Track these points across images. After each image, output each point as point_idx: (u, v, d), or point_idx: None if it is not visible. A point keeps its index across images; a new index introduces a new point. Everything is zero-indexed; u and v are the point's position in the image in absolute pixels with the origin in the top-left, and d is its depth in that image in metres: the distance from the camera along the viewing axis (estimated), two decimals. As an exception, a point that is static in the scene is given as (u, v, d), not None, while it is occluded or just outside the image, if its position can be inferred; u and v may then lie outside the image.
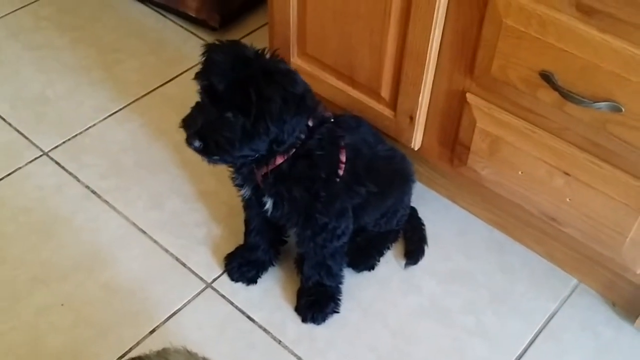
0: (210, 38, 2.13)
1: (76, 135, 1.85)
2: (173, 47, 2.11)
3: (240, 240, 1.59)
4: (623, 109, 1.20)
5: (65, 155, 1.80)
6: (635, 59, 1.14)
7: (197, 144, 1.26)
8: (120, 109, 1.93)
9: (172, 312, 1.50)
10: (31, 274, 1.55)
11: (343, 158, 1.38)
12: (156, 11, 2.22)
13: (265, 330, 1.49)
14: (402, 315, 1.53)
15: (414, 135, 1.57)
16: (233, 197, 1.61)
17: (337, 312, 1.52)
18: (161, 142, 1.84)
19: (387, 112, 1.58)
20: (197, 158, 1.31)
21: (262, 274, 1.57)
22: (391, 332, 1.50)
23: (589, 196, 1.36)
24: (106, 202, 1.70)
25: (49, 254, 1.59)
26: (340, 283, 1.53)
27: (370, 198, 1.46)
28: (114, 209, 1.69)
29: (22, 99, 1.93)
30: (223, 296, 1.54)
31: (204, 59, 1.28)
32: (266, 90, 1.21)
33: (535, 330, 1.52)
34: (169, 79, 2.02)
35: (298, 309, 1.52)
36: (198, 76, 1.27)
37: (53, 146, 1.82)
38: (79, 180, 1.75)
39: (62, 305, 1.50)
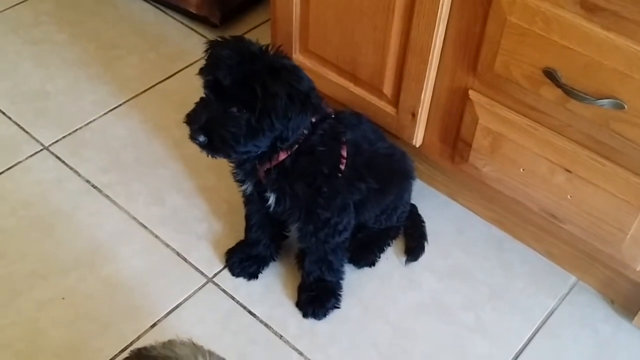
0: (210, 35, 2.13)
1: (76, 129, 1.85)
2: (173, 43, 2.11)
3: (240, 235, 1.59)
4: (626, 106, 1.21)
5: (66, 150, 1.80)
6: (639, 57, 1.15)
7: (201, 139, 1.26)
8: (120, 105, 1.92)
9: (173, 306, 1.50)
10: (31, 269, 1.55)
11: (344, 154, 1.39)
12: (156, 7, 2.22)
13: (266, 325, 1.49)
14: (402, 311, 1.54)
15: (415, 132, 1.57)
16: (233, 193, 1.61)
17: (338, 308, 1.52)
18: (161, 138, 1.84)
19: (389, 109, 1.59)
20: (196, 154, 1.31)
21: (263, 269, 1.57)
22: (392, 328, 1.51)
23: (590, 193, 1.37)
24: (107, 196, 1.70)
25: (50, 249, 1.59)
26: (341, 279, 1.53)
27: (370, 194, 1.47)
28: (115, 203, 1.69)
29: (22, 94, 1.93)
30: (224, 291, 1.54)
31: (208, 54, 1.28)
32: (272, 87, 1.21)
33: (535, 327, 1.53)
34: (169, 75, 2.02)
35: (299, 304, 1.52)
36: (203, 71, 1.27)
37: (53, 140, 1.81)
38: (79, 175, 1.74)
39: (63, 299, 1.50)
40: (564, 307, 1.56)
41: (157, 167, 1.78)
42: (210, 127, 1.25)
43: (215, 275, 1.57)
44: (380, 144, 1.51)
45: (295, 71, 1.27)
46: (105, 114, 1.90)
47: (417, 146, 1.61)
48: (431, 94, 1.51)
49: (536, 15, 1.23)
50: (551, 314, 1.55)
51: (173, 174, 1.76)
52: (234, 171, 1.45)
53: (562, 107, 1.29)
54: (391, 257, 1.63)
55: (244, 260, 1.56)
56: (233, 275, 1.56)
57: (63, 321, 1.47)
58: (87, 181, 1.73)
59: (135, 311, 1.49)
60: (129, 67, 2.03)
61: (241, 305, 1.52)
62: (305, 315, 1.51)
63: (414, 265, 1.62)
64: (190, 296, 1.53)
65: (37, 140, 1.81)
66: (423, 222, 1.67)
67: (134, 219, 1.66)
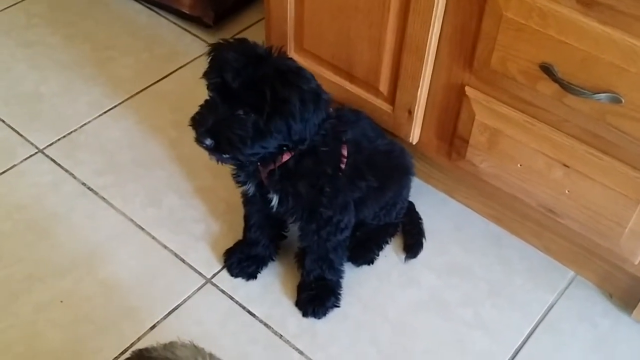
0: (204, 35, 2.13)
1: (71, 132, 1.84)
2: (167, 44, 2.11)
3: (238, 235, 1.59)
4: (623, 100, 1.21)
5: (61, 152, 1.79)
6: (635, 50, 1.15)
7: (208, 142, 1.24)
8: (115, 106, 1.92)
9: (173, 307, 1.50)
10: (28, 272, 1.54)
11: (345, 153, 1.39)
12: (149, 8, 2.21)
13: (266, 325, 1.49)
14: (401, 309, 1.53)
15: (412, 129, 1.57)
16: (230, 193, 1.61)
17: (338, 307, 1.52)
18: (157, 139, 1.84)
19: (385, 106, 1.59)
20: (193, 154, 1.30)
21: (262, 269, 1.57)
22: (391, 326, 1.50)
23: (588, 187, 1.37)
24: (103, 199, 1.69)
25: (46, 252, 1.58)
26: (341, 277, 1.53)
27: (369, 192, 1.47)
28: (111, 205, 1.68)
29: (15, 96, 1.92)
30: (223, 291, 1.54)
31: (212, 56, 1.27)
32: (282, 91, 1.21)
33: (534, 322, 1.53)
34: (163, 76, 2.01)
35: (299, 304, 1.52)
36: (208, 74, 1.26)
37: (48, 143, 1.81)
38: (74, 177, 1.73)
39: (61, 302, 1.49)
40: (562, 302, 1.57)
41: (153, 168, 1.77)
42: (217, 130, 1.24)
43: (214, 275, 1.56)
44: (380, 140, 1.51)
45: (301, 72, 1.27)
46: (100, 115, 1.89)
47: (414, 143, 1.61)
48: (427, 91, 1.51)
49: (532, 11, 1.23)
50: (550, 309, 1.55)
51: (169, 175, 1.76)
52: (235, 173, 1.44)
53: (559, 102, 1.30)
54: (390, 254, 1.63)
55: (242, 261, 1.55)
56: (232, 275, 1.56)
57: (61, 323, 1.46)
58: (83, 183, 1.72)
59: (134, 313, 1.48)
60: (123, 68, 2.02)
61: (240, 305, 1.52)
62: (305, 315, 1.50)
63: (412, 262, 1.62)
64: (189, 297, 1.52)
65: (32, 143, 1.80)
66: (420, 219, 1.67)
67: (131, 220, 1.65)
